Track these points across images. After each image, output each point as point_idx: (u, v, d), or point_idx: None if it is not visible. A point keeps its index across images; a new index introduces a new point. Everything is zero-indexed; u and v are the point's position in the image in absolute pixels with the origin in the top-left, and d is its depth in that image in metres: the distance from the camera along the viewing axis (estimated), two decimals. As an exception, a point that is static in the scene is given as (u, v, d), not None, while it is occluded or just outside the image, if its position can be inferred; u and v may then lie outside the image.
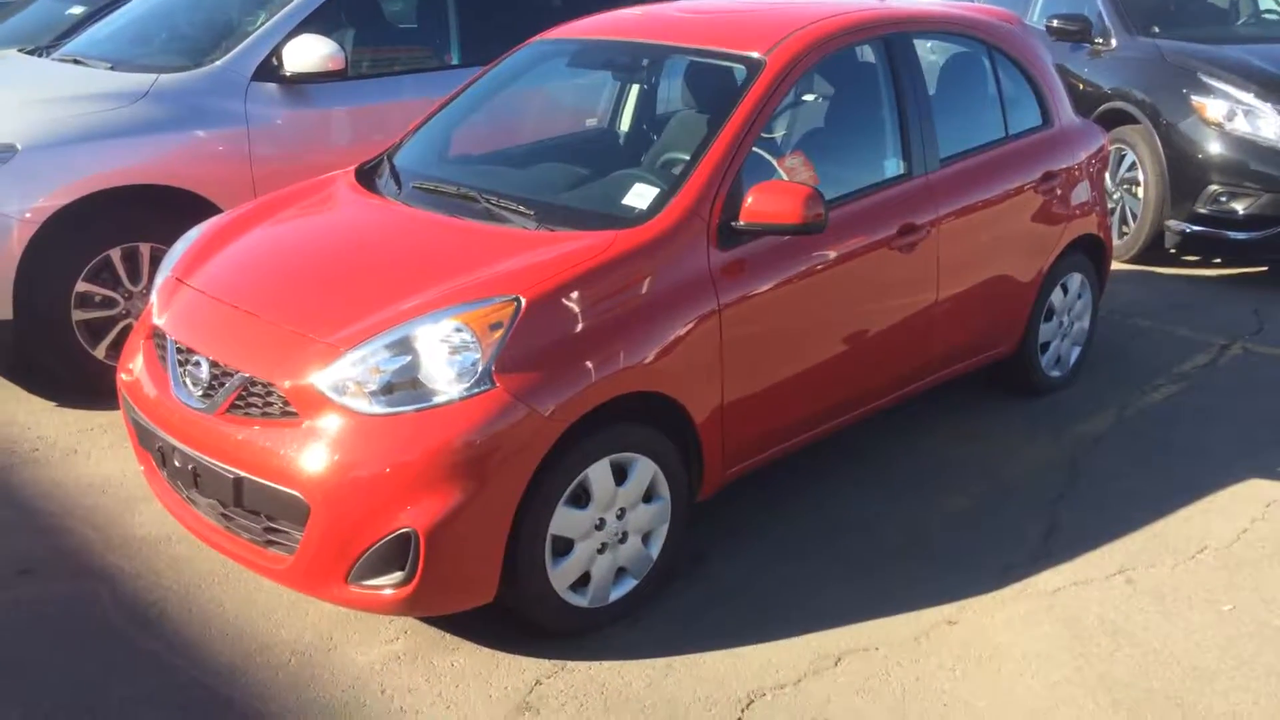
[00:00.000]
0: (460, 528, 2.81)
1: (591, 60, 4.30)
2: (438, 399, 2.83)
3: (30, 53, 5.58)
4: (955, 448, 4.35)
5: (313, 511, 2.82)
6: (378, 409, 2.83)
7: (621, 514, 3.16)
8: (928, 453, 4.30)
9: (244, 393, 2.99)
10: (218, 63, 4.85)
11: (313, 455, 2.83)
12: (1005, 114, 4.41)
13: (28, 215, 4.33)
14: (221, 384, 3.04)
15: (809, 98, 4.06)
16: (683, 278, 3.22)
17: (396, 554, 2.81)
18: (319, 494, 2.81)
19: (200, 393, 3.08)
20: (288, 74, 4.86)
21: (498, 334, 2.88)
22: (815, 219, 3.26)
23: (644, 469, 3.16)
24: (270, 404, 2.95)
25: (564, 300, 3.00)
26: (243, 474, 2.93)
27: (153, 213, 4.60)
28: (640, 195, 3.38)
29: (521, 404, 2.84)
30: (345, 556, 2.84)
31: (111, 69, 4.98)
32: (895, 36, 4.00)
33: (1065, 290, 4.76)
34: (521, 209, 3.41)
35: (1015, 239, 4.39)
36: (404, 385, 2.86)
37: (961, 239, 4.08)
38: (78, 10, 7.37)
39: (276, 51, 4.88)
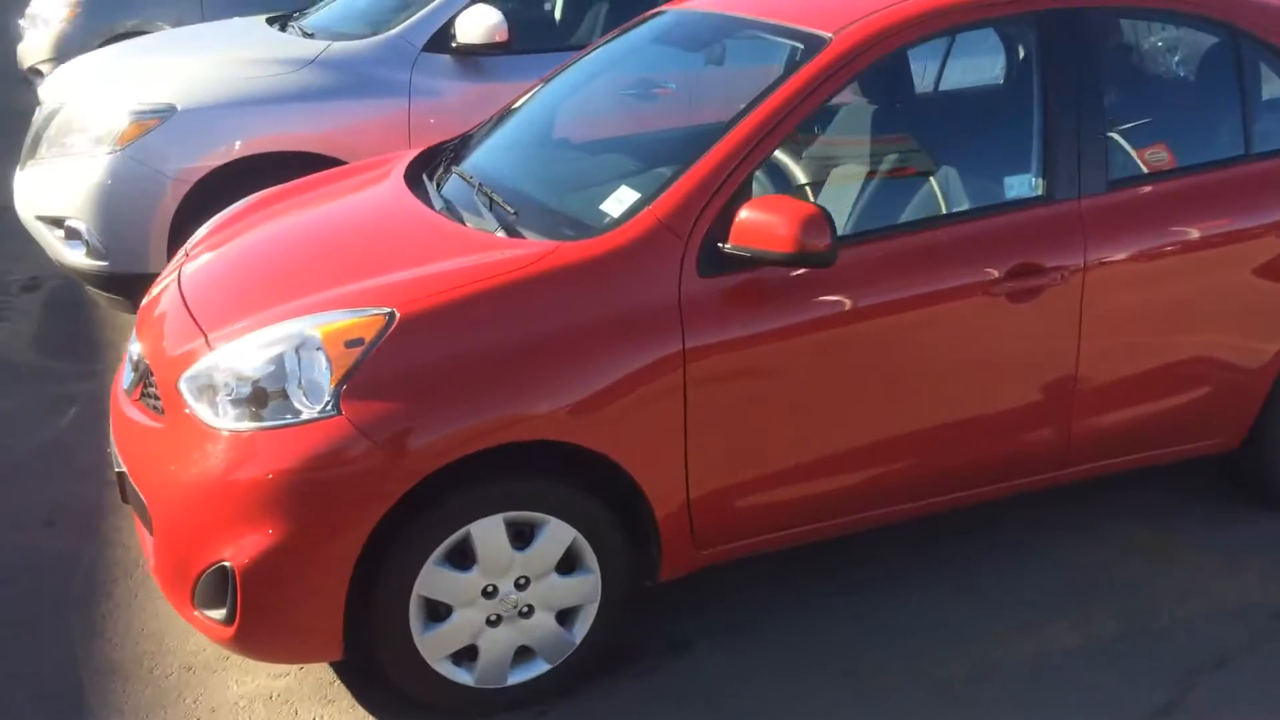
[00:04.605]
0: (282, 570, 2.42)
1: (673, 37, 3.63)
2: (285, 420, 2.45)
3: (271, 23, 5.79)
4: (1113, 560, 3.28)
5: (154, 522, 2.58)
6: (222, 421, 2.50)
7: (524, 583, 2.61)
8: (1065, 564, 3.27)
9: (146, 383, 2.80)
10: (392, 31, 4.74)
11: (158, 460, 2.58)
12: (1248, 124, 3.21)
13: (181, 175, 4.45)
14: (138, 369, 2.88)
15: (896, 90, 3.17)
16: (636, 307, 2.58)
17: (219, 588, 2.48)
18: (157, 504, 2.56)
19: (131, 378, 2.94)
20: (456, 45, 4.65)
21: (355, 352, 2.44)
22: (815, 250, 2.50)
23: (556, 534, 2.59)
24: (159, 398, 2.73)
25: (452, 320, 2.49)
26: (123, 468, 2.75)
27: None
28: (619, 201, 2.76)
29: (364, 439, 2.39)
30: (185, 578, 2.54)
31: (311, 37, 5.02)
32: (1058, 15, 3.00)
33: (1341, 370, 3.44)
34: (508, 207, 2.93)
35: (1242, 297, 3.20)
36: (275, 396, 2.50)
37: (1130, 291, 3.03)
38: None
39: (452, 21, 4.69)
